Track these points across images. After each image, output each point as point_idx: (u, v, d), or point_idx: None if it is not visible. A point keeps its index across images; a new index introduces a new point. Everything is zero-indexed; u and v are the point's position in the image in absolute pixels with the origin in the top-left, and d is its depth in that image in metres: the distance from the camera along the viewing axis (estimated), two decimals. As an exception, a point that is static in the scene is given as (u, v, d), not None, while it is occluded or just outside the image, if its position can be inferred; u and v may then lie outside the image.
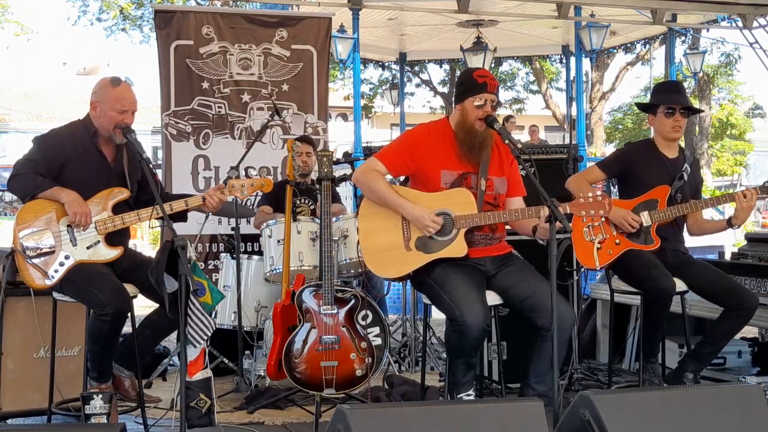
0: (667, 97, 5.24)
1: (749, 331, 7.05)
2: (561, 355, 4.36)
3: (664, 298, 4.89)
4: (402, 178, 4.94)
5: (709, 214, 9.33)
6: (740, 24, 9.37)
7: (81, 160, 4.53)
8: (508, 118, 15.82)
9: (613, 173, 5.38)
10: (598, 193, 4.39)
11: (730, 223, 5.11)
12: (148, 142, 26.05)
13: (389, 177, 4.69)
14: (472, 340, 4.21)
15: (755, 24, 9.10)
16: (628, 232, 5.03)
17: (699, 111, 5.63)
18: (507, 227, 4.75)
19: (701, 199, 5.27)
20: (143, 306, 4.70)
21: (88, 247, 4.44)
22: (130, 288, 4.50)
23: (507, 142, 4.46)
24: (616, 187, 5.52)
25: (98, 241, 4.46)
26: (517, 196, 4.68)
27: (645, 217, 5.06)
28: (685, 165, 5.23)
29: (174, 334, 5.05)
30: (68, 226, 4.42)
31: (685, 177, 5.20)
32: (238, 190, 4.72)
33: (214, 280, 6.83)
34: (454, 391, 4.41)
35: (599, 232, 5.05)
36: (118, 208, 4.54)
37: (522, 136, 21.32)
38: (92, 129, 4.59)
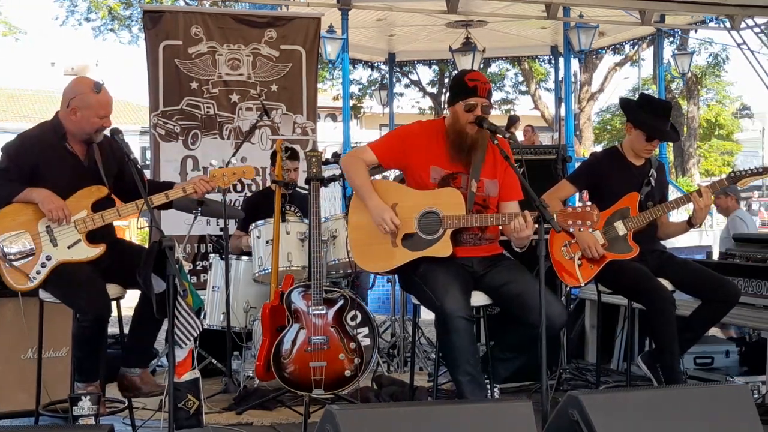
0: (655, 124, 5.19)
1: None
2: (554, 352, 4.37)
3: (668, 308, 4.92)
4: (397, 172, 4.96)
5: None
6: (728, 25, 9.41)
7: (52, 162, 4.48)
8: (513, 120, 15.68)
9: (584, 185, 5.41)
10: (587, 202, 4.40)
11: (690, 224, 5.17)
12: (137, 143, 25.98)
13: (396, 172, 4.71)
14: (457, 330, 4.19)
15: (743, 25, 9.14)
16: (588, 257, 5.05)
17: (676, 140, 5.70)
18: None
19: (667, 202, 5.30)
20: (131, 307, 4.68)
21: (69, 247, 4.41)
22: (114, 289, 4.49)
23: (496, 143, 4.46)
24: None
25: (79, 240, 4.43)
26: (511, 200, 4.64)
27: (620, 227, 5.09)
28: (652, 170, 5.26)
29: (161, 335, 5.04)
30: (47, 227, 4.39)
31: (653, 182, 5.24)
32: (220, 179, 4.71)
33: (202, 280, 6.83)
34: None
35: (577, 248, 5.09)
36: (99, 206, 4.51)
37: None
38: (61, 131, 4.53)
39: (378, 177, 7.01)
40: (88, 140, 4.55)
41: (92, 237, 4.48)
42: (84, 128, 4.50)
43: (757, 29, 9.15)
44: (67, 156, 4.54)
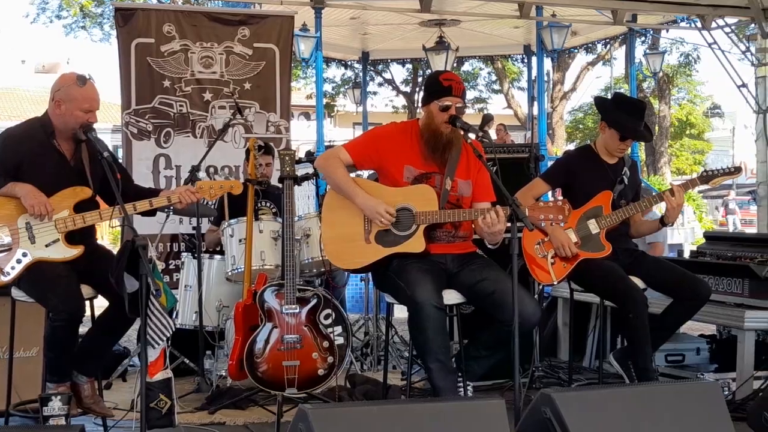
0: (629, 123, 5.21)
1: (707, 328, 7.14)
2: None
3: (640, 309, 4.95)
4: (371, 171, 4.98)
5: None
6: (699, 25, 9.48)
7: (39, 159, 4.45)
8: (487, 119, 15.67)
9: (558, 183, 5.43)
10: (559, 198, 4.43)
11: (663, 222, 5.22)
12: (109, 141, 25.55)
13: (359, 172, 4.73)
14: (428, 318, 4.21)
15: (713, 25, 9.21)
16: (561, 256, 5.08)
17: (649, 140, 5.72)
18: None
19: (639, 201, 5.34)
20: (104, 306, 4.65)
21: (47, 245, 4.38)
22: (87, 289, 4.46)
23: (470, 141, 4.48)
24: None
25: (57, 239, 4.40)
26: (484, 201, 4.67)
27: (593, 225, 5.12)
28: (625, 169, 5.30)
29: (133, 335, 5.01)
30: (27, 223, 4.35)
31: (626, 180, 5.28)
32: (207, 192, 4.69)
33: (175, 279, 6.79)
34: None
35: (551, 247, 5.11)
36: (82, 207, 4.47)
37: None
38: (50, 128, 4.50)
39: (351, 175, 7.04)
40: (75, 137, 4.51)
41: (71, 238, 4.44)
42: (68, 122, 4.46)
43: (727, 29, 9.22)
44: (53, 154, 4.50)
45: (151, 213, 4.73)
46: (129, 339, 6.76)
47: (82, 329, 4.51)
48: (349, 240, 4.50)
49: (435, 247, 4.48)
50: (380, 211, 4.39)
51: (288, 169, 5.11)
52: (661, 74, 21.71)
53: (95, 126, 4.52)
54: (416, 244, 4.41)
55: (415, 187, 4.48)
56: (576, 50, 17.94)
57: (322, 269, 5.95)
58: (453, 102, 4.48)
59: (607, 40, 15.68)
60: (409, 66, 21.56)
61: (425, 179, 4.50)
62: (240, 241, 5.81)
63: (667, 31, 14.61)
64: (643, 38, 18.38)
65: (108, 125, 26.55)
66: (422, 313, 4.21)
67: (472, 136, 4.50)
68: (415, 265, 4.36)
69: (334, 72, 26.44)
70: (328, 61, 15.37)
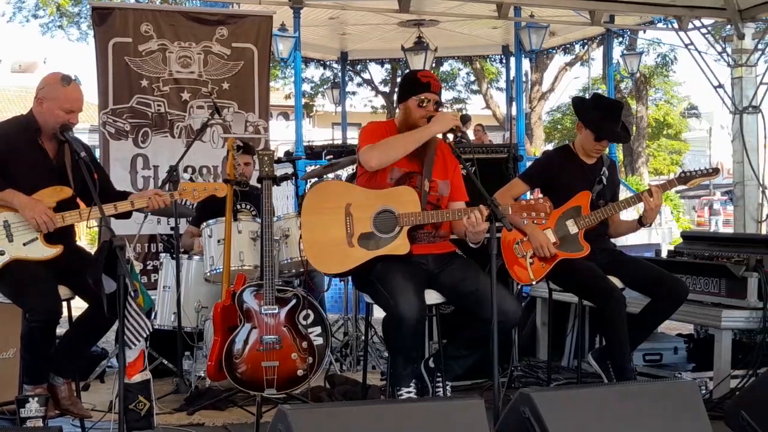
0: (604, 124, 5.22)
1: (684, 327, 7.18)
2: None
3: (619, 308, 4.96)
4: (349, 171, 4.95)
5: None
6: (676, 26, 9.51)
7: (22, 155, 4.43)
8: (464, 120, 15.73)
9: (536, 183, 5.45)
10: (539, 195, 4.44)
11: (641, 223, 5.24)
12: (86, 141, 25.51)
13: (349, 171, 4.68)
14: (406, 331, 4.22)
15: (690, 26, 9.23)
16: (540, 256, 5.09)
17: (625, 141, 5.72)
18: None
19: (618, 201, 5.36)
20: (81, 308, 4.62)
21: (24, 244, 4.35)
22: (65, 290, 4.42)
23: (449, 141, 4.48)
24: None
25: (36, 238, 4.37)
26: (459, 200, 4.68)
27: (571, 225, 5.14)
28: (603, 169, 5.32)
29: (111, 336, 4.98)
30: (5, 221, 4.32)
31: (604, 181, 5.29)
32: (189, 194, 4.67)
33: (153, 280, 6.76)
34: (394, 384, 4.42)
35: (529, 246, 5.12)
36: (62, 207, 4.44)
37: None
38: (35, 125, 4.48)
39: (330, 176, 7.04)
40: (57, 137, 4.48)
41: (50, 237, 4.40)
42: (48, 121, 4.44)
43: (704, 30, 9.25)
44: (37, 152, 4.48)
45: (127, 215, 4.70)
46: (107, 340, 6.72)
47: (60, 330, 4.49)
48: (331, 244, 4.44)
49: (416, 248, 4.47)
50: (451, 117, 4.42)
51: (267, 169, 5.10)
52: (638, 75, 21.87)
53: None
54: (401, 246, 4.40)
55: (395, 189, 4.47)
56: (554, 51, 17.99)
57: (301, 269, 5.94)
58: (432, 98, 4.49)
59: (585, 40, 15.75)
60: (387, 66, 21.55)
61: (408, 179, 4.50)
62: (219, 241, 5.79)
63: (644, 31, 14.69)
64: (620, 39, 18.45)
65: (86, 125, 26.37)
66: (403, 326, 4.21)
67: (450, 136, 4.50)
68: (398, 272, 4.33)
69: (313, 72, 26.46)
70: (306, 61, 15.35)
